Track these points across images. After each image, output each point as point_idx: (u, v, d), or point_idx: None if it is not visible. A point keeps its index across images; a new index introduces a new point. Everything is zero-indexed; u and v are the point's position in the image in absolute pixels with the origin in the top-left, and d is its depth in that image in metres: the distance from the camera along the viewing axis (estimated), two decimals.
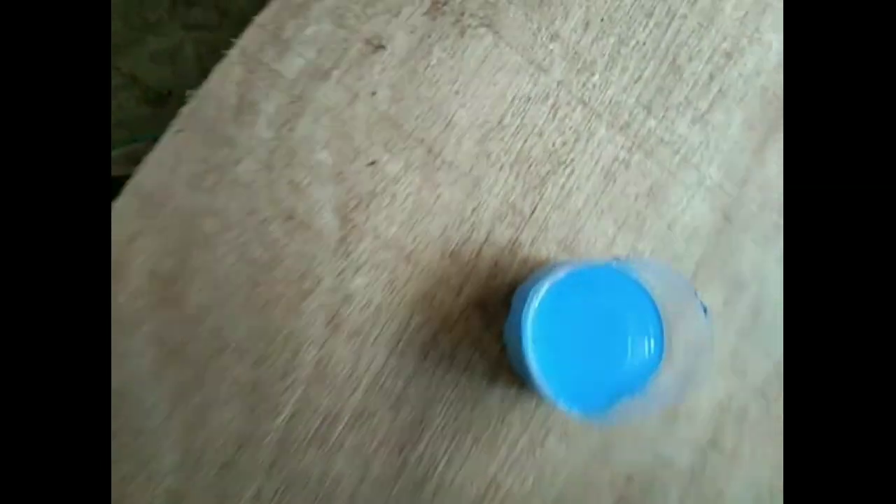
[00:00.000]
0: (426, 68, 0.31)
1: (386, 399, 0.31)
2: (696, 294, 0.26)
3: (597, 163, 0.34)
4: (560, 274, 0.27)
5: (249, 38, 0.29)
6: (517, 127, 0.32)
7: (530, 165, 0.33)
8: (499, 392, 0.32)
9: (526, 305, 0.27)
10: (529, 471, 0.33)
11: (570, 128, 0.33)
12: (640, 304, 0.30)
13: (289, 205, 0.30)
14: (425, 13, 0.32)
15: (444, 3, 0.32)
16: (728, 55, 0.36)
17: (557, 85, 0.33)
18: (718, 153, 0.36)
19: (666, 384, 0.29)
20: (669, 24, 0.35)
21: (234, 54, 0.29)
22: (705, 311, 0.27)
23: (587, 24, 0.34)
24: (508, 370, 0.32)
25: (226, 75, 0.29)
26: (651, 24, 0.35)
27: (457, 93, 0.32)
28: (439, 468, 0.32)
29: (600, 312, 0.30)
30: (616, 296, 0.31)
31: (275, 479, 0.30)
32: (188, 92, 0.28)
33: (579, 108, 0.33)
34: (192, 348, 0.29)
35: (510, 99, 0.32)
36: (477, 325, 0.32)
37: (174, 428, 0.29)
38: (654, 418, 0.34)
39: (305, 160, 0.30)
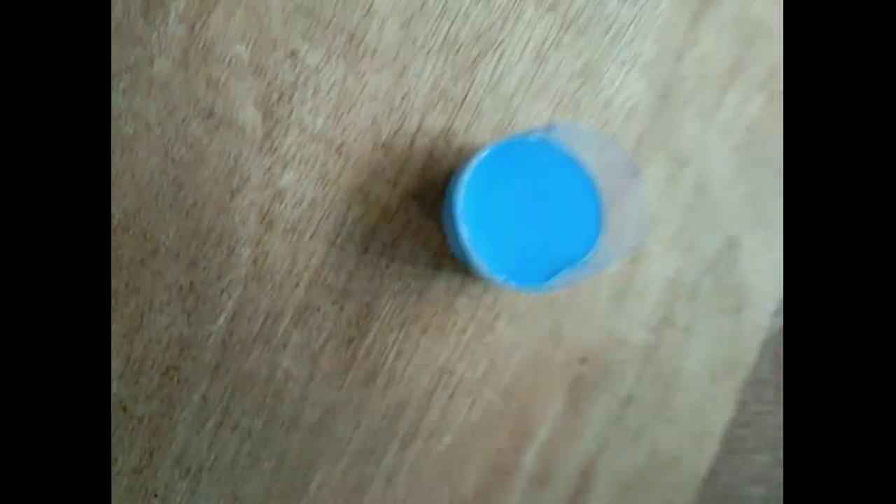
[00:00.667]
0: None
1: (329, 294, 0.32)
2: (623, 153, 0.27)
3: (527, 44, 0.35)
4: (489, 149, 0.29)
5: None
6: (441, 9, 0.33)
7: (459, 49, 0.34)
8: (444, 281, 0.34)
9: (456, 182, 0.28)
10: (481, 356, 0.35)
11: (498, 8, 0.35)
12: (575, 177, 0.32)
13: (208, 102, 0.31)
14: None
15: None
16: None
17: None
18: (652, 28, 0.37)
19: (604, 254, 0.31)
20: None
21: None
22: (635, 173, 0.28)
23: None
24: (452, 259, 0.34)
25: None
26: None
27: None
28: (389, 360, 0.33)
29: (536, 187, 0.32)
30: (551, 170, 0.32)
31: (221, 381, 0.31)
32: None
33: None
34: (122, 254, 0.30)
35: None
36: (416, 215, 0.34)
37: (113, 335, 0.30)
38: (604, 297, 0.36)
39: (221, 55, 0.31)
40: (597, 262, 0.31)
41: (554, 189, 0.33)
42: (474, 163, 0.29)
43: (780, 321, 0.42)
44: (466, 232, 0.29)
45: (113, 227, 0.30)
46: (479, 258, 0.29)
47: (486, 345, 0.35)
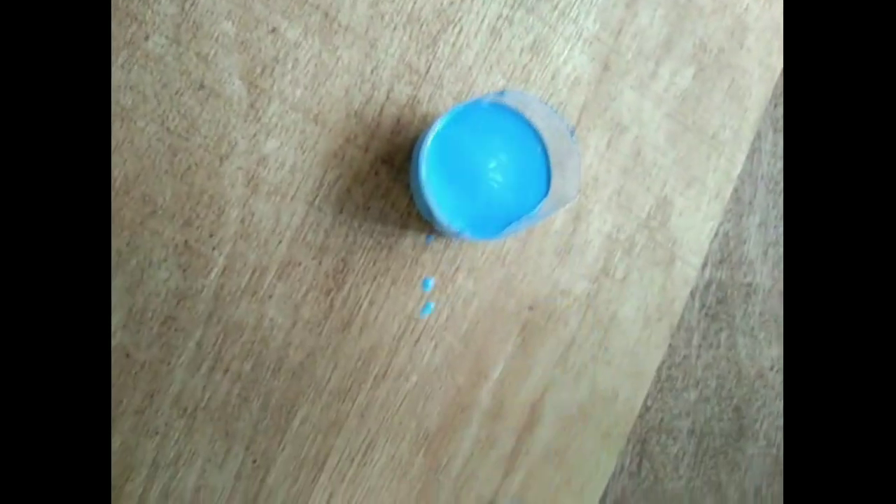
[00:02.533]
0: None
1: (309, 250, 0.43)
2: (561, 118, 0.39)
3: (483, 20, 0.46)
4: (448, 115, 0.39)
5: None
6: None
7: (422, 25, 0.44)
8: (410, 238, 0.45)
9: (420, 146, 0.39)
10: (443, 305, 0.46)
11: None
12: (525, 139, 0.43)
13: (198, 75, 0.40)
14: None
15: None
16: None
17: None
18: (594, 6, 0.49)
19: (547, 207, 0.42)
20: None
21: None
22: (572, 133, 0.40)
23: None
24: (417, 218, 0.45)
25: None
26: None
27: None
28: (363, 308, 0.44)
29: (491, 149, 0.43)
30: (504, 133, 0.43)
31: (213, 329, 0.42)
32: None
33: None
34: (123, 215, 0.40)
35: None
36: (385, 178, 0.44)
37: (116, 289, 0.40)
38: (549, 252, 0.48)
39: (210, 32, 0.40)
40: (540, 214, 0.43)
41: (507, 150, 0.44)
42: (435, 128, 0.40)
43: (706, 274, 0.55)
44: (430, 192, 0.40)
45: (115, 190, 0.40)
46: (440, 214, 0.40)
47: (448, 295, 0.47)
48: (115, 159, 0.41)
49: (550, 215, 0.41)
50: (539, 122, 0.45)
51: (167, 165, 0.42)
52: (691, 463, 0.58)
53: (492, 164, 0.44)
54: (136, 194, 0.41)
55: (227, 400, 0.44)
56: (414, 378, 0.48)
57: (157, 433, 0.43)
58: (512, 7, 0.49)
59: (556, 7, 0.50)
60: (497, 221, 0.45)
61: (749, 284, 0.60)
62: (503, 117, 0.44)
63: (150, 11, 0.41)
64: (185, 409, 0.43)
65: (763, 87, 0.57)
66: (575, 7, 0.51)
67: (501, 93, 0.44)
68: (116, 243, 0.41)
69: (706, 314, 0.58)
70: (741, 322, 0.60)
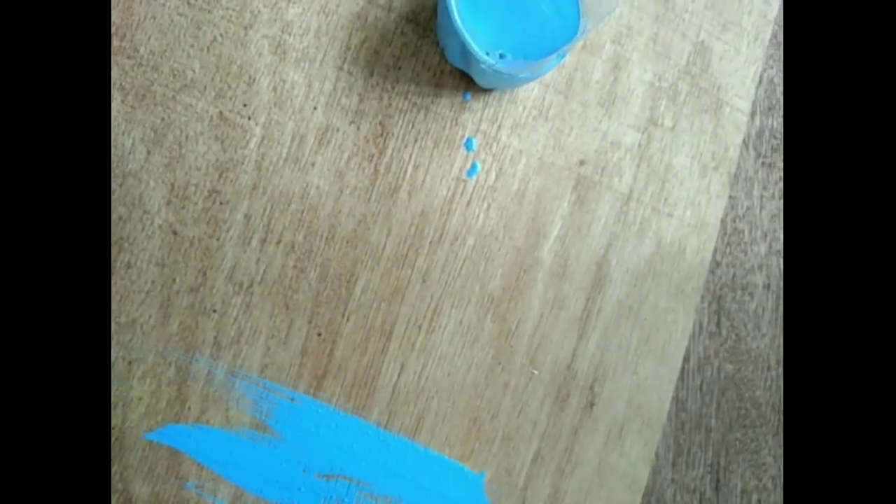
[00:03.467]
0: None
1: (345, 115, 0.41)
2: None
3: None
4: None
5: None
6: None
7: None
8: (447, 97, 0.43)
9: None
10: (490, 165, 0.44)
11: None
12: None
13: None
14: None
15: None
16: None
17: None
18: None
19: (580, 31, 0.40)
20: None
21: None
22: None
23: None
24: (451, 76, 0.43)
25: None
26: None
27: None
28: (408, 172, 0.42)
29: None
30: None
31: (260, 200, 0.40)
32: None
33: None
34: (154, 90, 0.38)
35: None
36: (412, 38, 0.43)
37: (155, 166, 0.38)
38: (593, 103, 0.46)
39: None
40: (581, 32, 0.40)
41: None
42: None
43: (756, 122, 0.52)
44: (462, 26, 0.38)
45: (143, 65, 0.39)
46: (476, 47, 0.38)
47: (493, 153, 0.44)
48: (140, 36, 0.40)
49: (582, 37, 0.39)
50: None
51: (192, 39, 0.41)
52: (772, 319, 0.54)
53: (522, 3, 0.42)
54: (164, 69, 0.40)
55: (283, 272, 0.42)
56: (471, 241, 0.45)
57: (214, 311, 0.41)
58: None
59: None
60: (538, 45, 0.42)
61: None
62: None
63: None
64: (241, 285, 0.41)
65: None
66: None
67: None
68: (151, 119, 0.40)
69: (763, 163, 0.54)
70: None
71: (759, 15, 0.53)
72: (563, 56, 0.42)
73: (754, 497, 0.54)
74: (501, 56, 0.39)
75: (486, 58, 0.39)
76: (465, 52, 0.40)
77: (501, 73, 0.41)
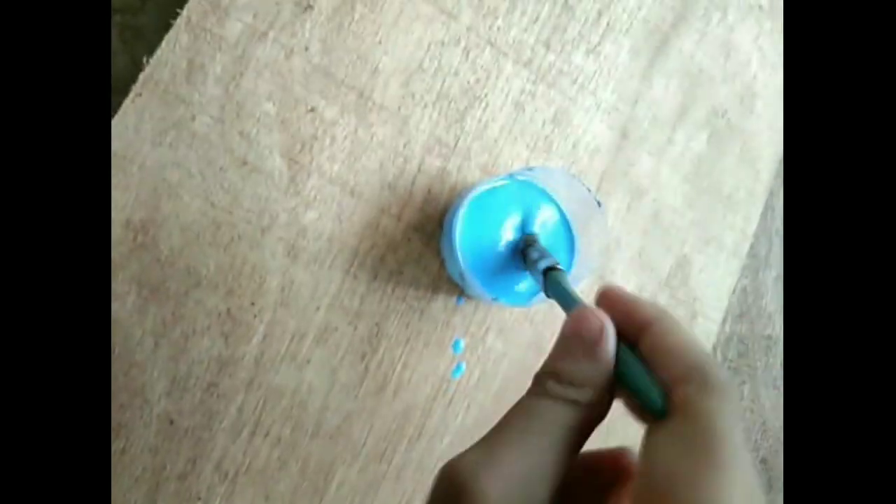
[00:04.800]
0: (351, 23, 0.43)
1: (345, 315, 0.43)
2: (588, 190, 0.39)
3: (507, 96, 0.47)
4: (479, 189, 0.40)
5: (191, 8, 0.39)
6: (435, 69, 0.45)
7: (450, 102, 0.45)
8: (441, 301, 0.45)
9: (453, 216, 0.39)
10: (475, 365, 0.46)
11: (481, 67, 0.46)
12: (551, 212, 0.43)
13: (241, 152, 0.41)
14: None
15: None
16: None
17: (467, 30, 0.46)
18: (611, 79, 0.49)
19: (575, 274, 0.42)
20: None
21: (180, 23, 0.39)
22: (599, 203, 0.40)
23: None
24: (447, 282, 0.45)
25: (174, 42, 0.39)
26: None
27: (379, 42, 0.44)
28: (397, 371, 0.44)
29: (518, 221, 0.43)
30: (530, 206, 0.43)
31: (254, 395, 0.41)
32: (144, 59, 0.38)
33: (487, 48, 0.46)
34: (168, 286, 0.40)
35: (427, 45, 0.45)
36: (417, 245, 0.44)
37: (160, 358, 0.40)
38: None
39: (252, 112, 0.41)
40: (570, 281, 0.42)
41: (532, 223, 0.44)
42: (468, 200, 0.40)
43: (726, 328, 0.55)
44: (463, 258, 0.40)
45: (161, 262, 0.40)
46: (476, 283, 0.40)
47: (479, 355, 0.46)
48: (161, 233, 0.41)
49: (579, 283, 0.41)
50: (562, 194, 0.45)
51: (211, 238, 0.42)
52: None
53: (519, 232, 0.44)
54: (180, 266, 0.42)
55: (267, 464, 0.43)
56: (447, 439, 0.47)
57: (199, 498, 0.42)
58: (534, 82, 0.49)
59: (575, 81, 0.50)
60: (526, 291, 0.45)
61: (769, 337, 0.59)
62: (528, 188, 0.44)
63: (196, 94, 0.42)
64: (227, 474, 0.42)
65: (773, 148, 0.57)
66: (593, 80, 0.51)
67: (530, 168, 0.44)
68: (161, 313, 0.41)
69: (729, 367, 0.57)
70: (763, 374, 0.58)
71: (739, 231, 0.56)
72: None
73: None
74: (495, 299, 0.41)
75: (486, 295, 0.41)
76: (463, 280, 0.42)
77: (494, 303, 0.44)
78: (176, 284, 0.42)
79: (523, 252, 0.42)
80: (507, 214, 0.44)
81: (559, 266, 0.39)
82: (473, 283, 0.41)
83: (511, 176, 0.42)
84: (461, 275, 0.42)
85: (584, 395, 0.25)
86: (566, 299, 0.34)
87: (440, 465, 0.47)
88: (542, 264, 0.39)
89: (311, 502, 0.44)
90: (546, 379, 0.26)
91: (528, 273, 0.44)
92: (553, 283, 0.37)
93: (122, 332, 0.41)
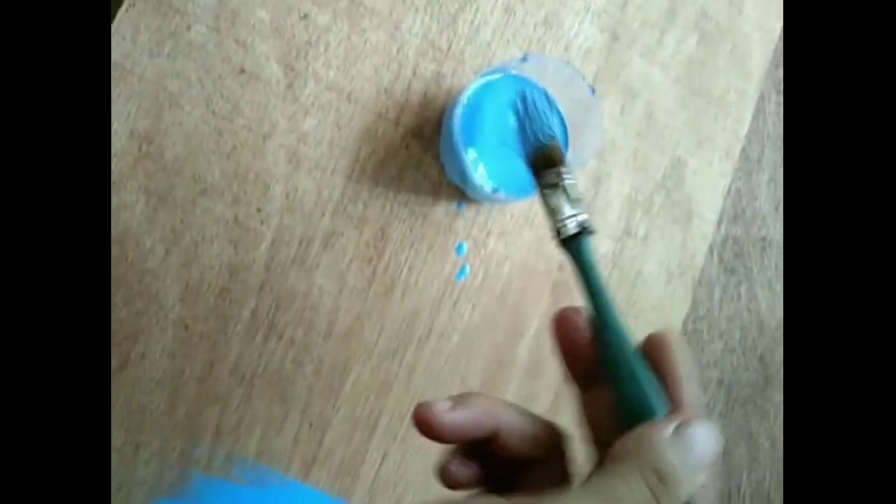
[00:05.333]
0: None
1: (350, 221, 0.43)
2: (583, 78, 0.39)
3: None
4: (473, 85, 0.40)
5: None
6: None
7: (441, 6, 0.45)
8: (443, 206, 0.45)
9: (451, 116, 0.40)
10: (478, 268, 0.46)
11: None
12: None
13: (238, 61, 0.41)
14: None
15: None
16: None
17: None
18: None
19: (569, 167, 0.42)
20: None
21: None
22: (593, 91, 0.40)
23: None
24: (448, 187, 0.46)
25: None
26: None
27: None
28: (403, 274, 0.45)
29: (512, 115, 0.43)
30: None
31: (266, 298, 0.42)
32: None
33: None
34: (176, 194, 0.40)
35: None
36: (416, 150, 0.45)
37: (172, 265, 0.40)
38: None
39: (247, 20, 0.41)
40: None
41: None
42: (464, 97, 0.41)
43: (722, 230, 0.55)
44: (464, 157, 0.41)
45: (167, 171, 0.41)
46: (476, 178, 0.41)
47: (482, 258, 0.47)
48: (166, 142, 0.41)
49: (579, 168, 0.42)
50: (557, 87, 0.45)
51: (214, 146, 0.42)
52: (722, 412, 0.58)
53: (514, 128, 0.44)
54: (186, 174, 0.42)
55: (283, 366, 0.44)
56: (455, 338, 0.48)
57: (218, 401, 0.43)
58: None
59: None
60: (526, 182, 0.45)
61: (763, 239, 0.60)
62: (522, 84, 0.45)
63: (191, 4, 0.42)
64: (244, 377, 0.43)
65: (763, 49, 0.58)
66: None
67: (524, 58, 0.44)
68: (171, 221, 0.42)
69: (725, 269, 0.58)
70: (759, 275, 0.59)
71: (731, 133, 0.56)
72: None
73: None
74: (495, 190, 0.42)
75: (484, 189, 0.42)
76: (464, 175, 0.43)
77: (494, 198, 0.44)
78: (183, 192, 0.42)
79: (539, 171, 0.37)
80: (502, 109, 0.44)
81: (591, 225, 0.33)
82: (474, 179, 0.41)
83: (505, 70, 0.43)
84: (462, 174, 0.43)
85: None
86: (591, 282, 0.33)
87: (450, 363, 0.48)
88: (574, 220, 0.33)
89: (328, 401, 0.45)
90: None
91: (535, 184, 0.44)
92: (585, 252, 0.33)
93: (134, 241, 0.41)
